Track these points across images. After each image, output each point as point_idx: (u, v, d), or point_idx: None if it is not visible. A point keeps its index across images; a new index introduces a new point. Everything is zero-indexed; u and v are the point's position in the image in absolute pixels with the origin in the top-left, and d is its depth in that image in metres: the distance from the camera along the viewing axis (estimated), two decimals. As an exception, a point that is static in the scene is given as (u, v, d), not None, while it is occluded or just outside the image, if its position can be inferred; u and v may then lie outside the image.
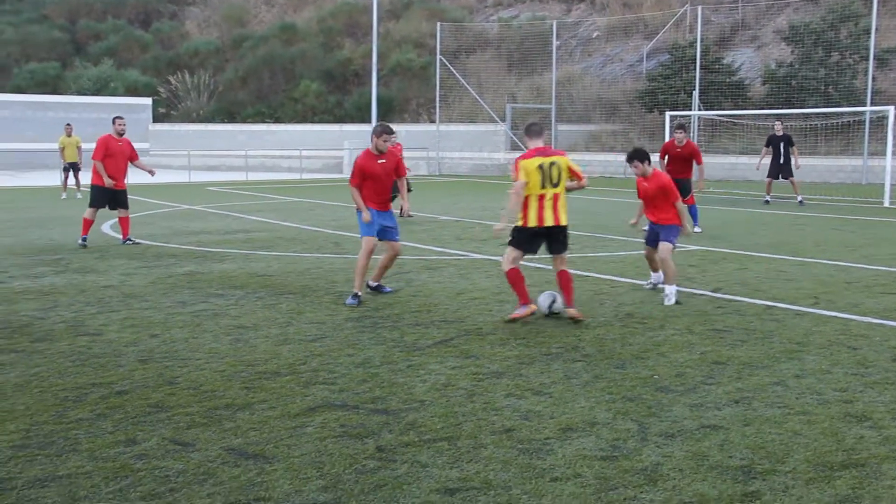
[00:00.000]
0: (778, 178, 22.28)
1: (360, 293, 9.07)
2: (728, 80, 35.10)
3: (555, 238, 8.19)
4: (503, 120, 38.67)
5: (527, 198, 8.01)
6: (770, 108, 32.04)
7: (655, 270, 9.78)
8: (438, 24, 40.36)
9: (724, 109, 33.95)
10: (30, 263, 11.88)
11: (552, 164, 8.02)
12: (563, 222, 8.13)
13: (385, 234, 9.35)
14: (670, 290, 9.10)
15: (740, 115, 32.63)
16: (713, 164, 33.19)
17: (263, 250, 13.21)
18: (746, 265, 11.79)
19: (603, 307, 8.88)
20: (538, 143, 8.20)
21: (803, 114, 31.10)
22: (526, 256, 8.38)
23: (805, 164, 31.34)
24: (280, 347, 7.22)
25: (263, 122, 43.61)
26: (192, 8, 55.41)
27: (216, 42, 50.14)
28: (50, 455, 4.83)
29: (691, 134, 32.44)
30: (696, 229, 15.62)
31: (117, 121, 14.12)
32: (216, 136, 42.35)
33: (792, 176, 22.23)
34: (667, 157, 15.57)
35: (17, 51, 48.31)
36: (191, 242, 14.17)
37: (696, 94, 32.51)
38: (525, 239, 8.17)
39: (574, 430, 5.23)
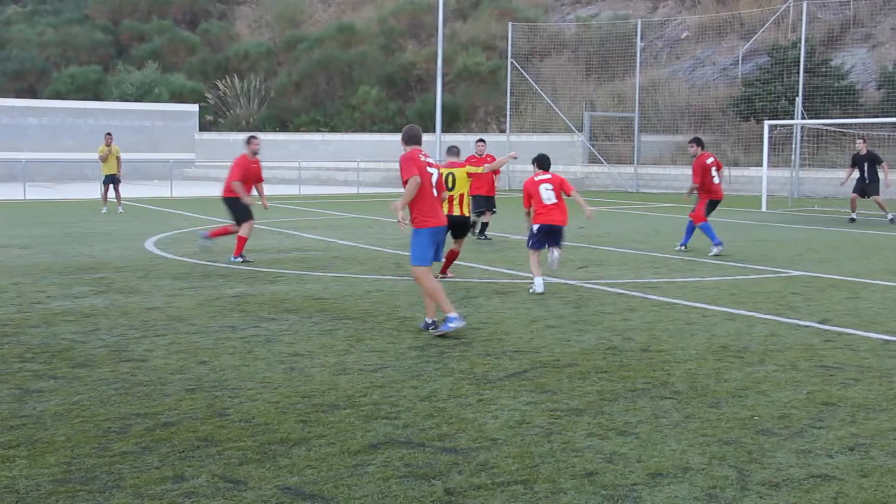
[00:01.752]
0: (864, 196, 22.96)
1: (451, 315, 8.83)
2: (836, 84, 34.55)
3: (459, 226, 12.00)
4: (580, 129, 38.59)
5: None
6: (886, 116, 31.40)
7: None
8: (510, 24, 40.54)
9: (831, 118, 33.38)
10: (69, 283, 12.21)
11: (450, 174, 12.00)
12: (466, 214, 12.15)
13: None
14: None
15: (851, 125, 32.03)
16: (817, 179, 32.67)
17: (319, 271, 13.37)
18: (859, 293, 11.55)
19: (694, 338, 8.78)
20: (453, 160, 12.58)
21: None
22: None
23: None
24: (338, 378, 7.29)
25: (318, 130, 44.25)
26: (243, 7, 56.67)
27: (268, 44, 51.14)
28: (92, 491, 4.94)
29: (793, 145, 31.99)
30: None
31: (252, 141, 14.91)
32: (267, 146, 42.87)
33: (878, 194, 22.88)
34: None
35: (58, 53, 49.93)
36: (240, 262, 14.40)
37: (798, 100, 32.04)
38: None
39: (664, 475, 5.17)
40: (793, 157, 31.96)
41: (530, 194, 11.67)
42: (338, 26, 49.89)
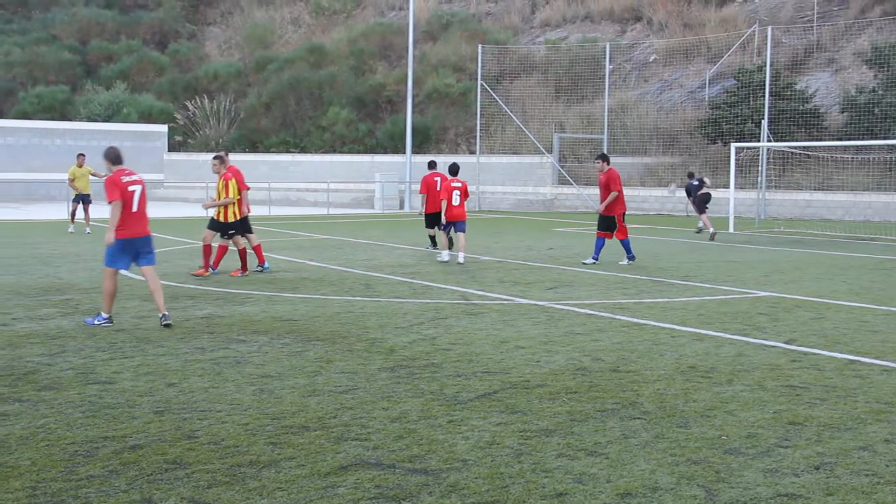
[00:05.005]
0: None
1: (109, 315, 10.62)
2: (801, 107, 35.00)
3: (244, 225, 15.73)
4: (550, 151, 38.80)
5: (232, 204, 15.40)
6: (849, 139, 31.84)
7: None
8: (480, 46, 40.76)
9: (796, 140, 33.80)
10: (35, 304, 12.09)
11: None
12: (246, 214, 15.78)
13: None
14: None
15: (815, 147, 32.44)
16: (783, 201, 33.03)
17: (288, 292, 13.33)
18: (824, 314, 11.68)
19: (663, 359, 8.84)
20: (233, 168, 15.91)
21: (887, 146, 30.86)
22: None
23: (891, 202, 31.10)
24: (308, 399, 7.28)
25: (288, 151, 44.14)
26: (213, 28, 56.52)
27: (238, 65, 51.02)
28: (59, 514, 4.90)
29: (759, 167, 32.35)
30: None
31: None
32: (236, 167, 42.92)
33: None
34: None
35: (24, 73, 49.49)
36: (209, 283, 14.34)
37: (764, 123, 32.42)
38: (226, 227, 15.41)
39: (633, 495, 5.20)
40: (759, 179, 32.31)
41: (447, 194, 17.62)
42: (308, 47, 49.86)
